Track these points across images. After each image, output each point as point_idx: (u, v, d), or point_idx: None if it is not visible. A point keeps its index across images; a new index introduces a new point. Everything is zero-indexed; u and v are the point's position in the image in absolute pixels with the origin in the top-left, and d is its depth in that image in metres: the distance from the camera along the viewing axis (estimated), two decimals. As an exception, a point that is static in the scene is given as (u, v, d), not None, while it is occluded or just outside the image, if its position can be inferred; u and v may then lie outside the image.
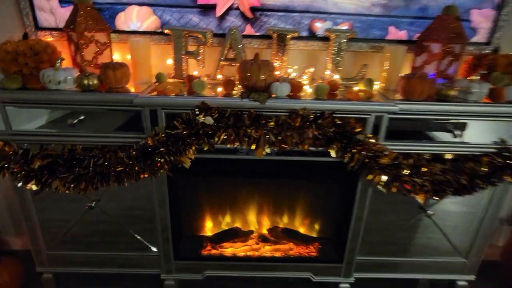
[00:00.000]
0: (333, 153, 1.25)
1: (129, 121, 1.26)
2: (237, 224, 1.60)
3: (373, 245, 1.51)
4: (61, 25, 1.38)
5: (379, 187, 1.28)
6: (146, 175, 1.25)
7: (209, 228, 1.61)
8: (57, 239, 1.48)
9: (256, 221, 1.60)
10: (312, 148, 1.25)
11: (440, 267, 1.58)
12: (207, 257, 1.53)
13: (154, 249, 1.50)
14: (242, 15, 1.38)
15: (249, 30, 1.40)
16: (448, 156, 1.32)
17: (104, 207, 1.42)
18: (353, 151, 1.22)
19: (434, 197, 1.29)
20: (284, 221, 1.61)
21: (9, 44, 1.22)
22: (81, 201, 1.39)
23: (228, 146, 1.22)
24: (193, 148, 1.22)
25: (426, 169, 1.26)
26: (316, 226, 1.61)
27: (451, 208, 1.45)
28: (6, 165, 1.27)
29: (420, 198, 1.29)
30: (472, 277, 1.60)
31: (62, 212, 1.43)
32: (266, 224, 1.61)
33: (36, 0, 1.35)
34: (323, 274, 1.55)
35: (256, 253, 1.54)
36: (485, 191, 1.39)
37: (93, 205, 1.39)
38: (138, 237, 1.48)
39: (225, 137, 1.20)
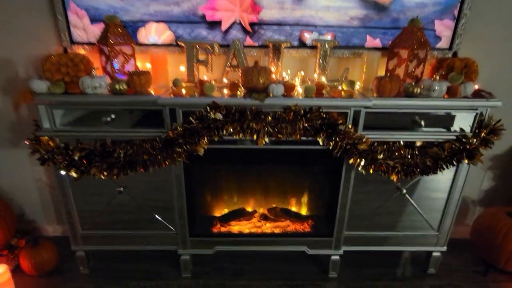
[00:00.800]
0: (320, 141, 1.51)
1: (149, 119, 1.53)
2: (242, 205, 1.86)
3: (359, 221, 1.77)
4: (92, 39, 1.65)
5: (360, 169, 1.55)
6: (167, 163, 1.52)
7: (218, 208, 1.88)
8: (90, 221, 1.74)
9: (258, 202, 1.87)
10: (303, 138, 1.51)
11: (417, 241, 1.85)
12: (217, 234, 1.80)
13: (172, 228, 1.76)
14: (243, 29, 1.65)
15: (249, 41, 1.67)
16: (418, 143, 1.59)
17: (130, 192, 1.68)
18: (336, 139, 1.49)
19: (405, 177, 1.56)
20: (282, 202, 1.88)
21: (54, 57, 1.49)
22: (110, 188, 1.66)
23: (234, 137, 1.49)
24: (206, 139, 1.48)
25: (397, 153, 1.53)
26: (310, 205, 1.88)
27: (426, 193, 1.71)
28: (50, 157, 1.54)
29: (393, 178, 1.56)
30: (443, 248, 1.86)
31: (94, 198, 1.69)
32: (266, 204, 1.87)
33: (71, 19, 1.62)
34: (316, 247, 1.82)
35: (259, 230, 1.81)
36: (450, 176, 1.66)
37: (121, 190, 1.66)
38: (159, 218, 1.74)
39: (232, 129, 1.47)
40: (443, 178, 1.68)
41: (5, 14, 1.62)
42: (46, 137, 1.54)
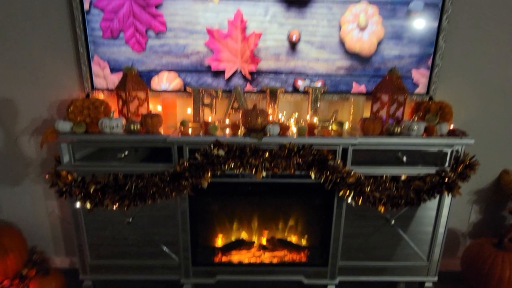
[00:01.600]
0: (312, 175, 1.68)
1: (158, 155, 1.71)
2: (242, 236, 1.98)
3: (353, 252, 1.88)
4: (110, 86, 1.88)
5: (349, 200, 1.70)
6: (173, 194, 1.67)
7: (219, 239, 1.99)
8: (99, 251, 1.86)
9: (257, 232, 1.99)
10: (297, 172, 1.68)
11: (410, 271, 1.94)
12: (218, 264, 1.90)
13: (176, 258, 1.87)
14: (244, 77, 1.88)
15: (249, 87, 1.90)
16: (403, 177, 1.75)
17: (137, 223, 1.82)
18: (327, 173, 1.65)
19: (391, 208, 1.70)
20: (279, 232, 1.99)
21: (78, 101, 1.70)
22: (119, 220, 1.80)
23: (235, 171, 1.65)
24: (209, 173, 1.65)
25: (382, 186, 1.68)
26: (306, 236, 1.99)
27: (414, 225, 1.84)
28: (68, 189, 1.70)
29: (381, 209, 1.70)
30: (435, 279, 1.94)
31: (103, 229, 1.83)
32: (265, 235, 1.99)
33: (94, 69, 1.86)
34: (312, 277, 1.91)
35: (258, 260, 1.91)
36: (433, 208, 1.80)
37: (130, 220, 1.79)
38: (165, 250, 1.85)
39: (233, 165, 1.64)
40: (429, 211, 1.82)
41: (35, 64, 1.86)
42: (65, 171, 1.71)
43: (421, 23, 1.80)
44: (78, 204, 1.72)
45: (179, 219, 1.79)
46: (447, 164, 1.73)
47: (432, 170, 1.73)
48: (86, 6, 1.74)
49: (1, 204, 2.12)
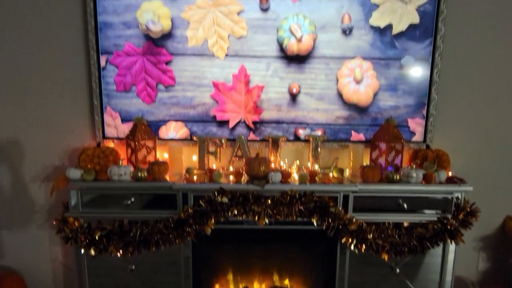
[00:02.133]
0: (314, 222, 1.70)
1: (163, 201, 1.75)
2: (245, 283, 1.94)
3: (357, 303, 1.83)
4: (121, 135, 1.98)
5: (352, 248, 1.69)
6: (177, 241, 1.69)
7: (222, 285, 1.96)
8: (100, 299, 1.84)
9: (260, 279, 1.95)
10: (299, 219, 1.70)
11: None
12: (220, 314, 1.85)
13: (177, 308, 1.83)
14: (247, 126, 1.98)
15: (252, 136, 1.99)
16: (405, 224, 1.76)
17: (140, 269, 1.81)
18: (328, 220, 1.67)
19: (395, 256, 1.69)
20: (283, 279, 1.96)
21: (89, 150, 1.79)
22: (122, 266, 1.80)
23: (238, 218, 1.68)
24: (213, 219, 1.68)
25: (385, 233, 1.69)
26: (309, 283, 1.95)
27: (421, 274, 1.82)
28: (74, 235, 1.73)
29: (384, 257, 1.69)
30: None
31: (106, 276, 1.82)
32: (268, 282, 1.95)
33: (106, 119, 1.97)
34: (317, 330, 1.84)
35: (261, 310, 1.86)
36: (439, 255, 1.79)
37: (133, 267, 1.79)
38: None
39: (236, 211, 1.68)
40: (435, 258, 1.80)
41: (50, 113, 1.98)
42: (72, 217, 1.75)
43: (413, 77, 1.92)
44: (83, 251, 1.73)
45: (182, 265, 1.79)
46: (448, 211, 1.74)
47: (433, 217, 1.74)
48: (103, 63, 1.90)
49: (5, 249, 2.13)
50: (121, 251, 1.69)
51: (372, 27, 1.87)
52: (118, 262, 1.78)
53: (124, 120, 1.97)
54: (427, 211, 1.75)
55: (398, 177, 1.73)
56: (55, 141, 2.02)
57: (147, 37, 1.87)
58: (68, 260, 2.14)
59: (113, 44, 1.88)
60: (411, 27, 1.87)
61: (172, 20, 1.85)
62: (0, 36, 1.91)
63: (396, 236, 1.70)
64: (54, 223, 1.77)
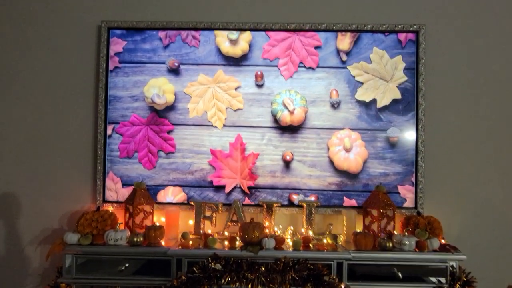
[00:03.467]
0: (308, 292, 1.67)
1: (158, 267, 1.75)
2: None
3: None
4: (120, 199, 2.05)
5: (347, 320, 1.64)
6: (168, 311, 1.65)
7: None
8: None
9: None
10: (293, 288, 1.68)
11: None
12: None
13: None
14: (243, 191, 2.05)
15: (247, 201, 2.05)
16: (402, 295, 1.73)
17: None
18: (323, 289, 1.65)
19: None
20: None
21: (88, 214, 1.85)
22: (112, 338, 1.73)
23: (231, 286, 1.66)
24: (206, 287, 1.66)
25: (381, 304, 1.65)
26: None
27: None
28: (64, 304, 1.70)
29: (382, 331, 1.63)
30: None
31: None
32: None
33: (107, 184, 2.05)
34: None
35: None
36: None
37: None
38: None
39: (229, 279, 1.67)
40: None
41: (53, 177, 2.08)
42: (64, 284, 1.73)
43: (399, 146, 2.04)
44: (70, 321, 1.69)
45: None
46: (444, 280, 1.72)
47: (430, 286, 1.72)
48: (109, 131, 2.04)
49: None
50: (110, 321, 1.64)
51: (358, 101, 2.05)
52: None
53: (124, 184, 2.05)
54: (424, 281, 1.73)
55: (391, 244, 1.75)
56: (56, 205, 2.08)
57: (152, 108, 2.05)
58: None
59: (120, 115, 2.05)
60: (394, 101, 2.04)
61: (175, 95, 2.04)
62: (18, 105, 2.09)
63: (393, 307, 1.66)
64: (46, 289, 1.75)
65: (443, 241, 1.86)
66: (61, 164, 2.09)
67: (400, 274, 1.72)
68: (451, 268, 1.73)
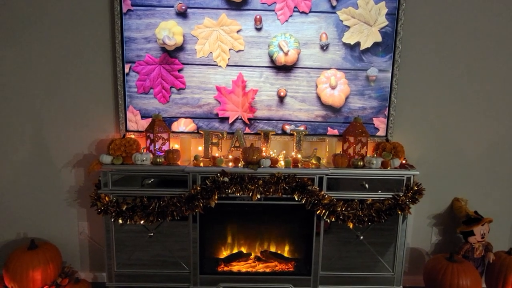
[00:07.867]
0: (296, 198, 2.16)
1: (176, 182, 2.20)
2: (241, 248, 2.41)
3: (331, 263, 2.30)
4: (140, 128, 2.42)
5: (324, 218, 2.17)
6: (188, 213, 2.14)
7: (222, 251, 2.42)
8: (123, 262, 2.28)
9: (253, 245, 2.42)
10: (284, 196, 2.16)
11: (379, 280, 2.35)
12: (221, 273, 2.31)
13: (187, 268, 2.28)
14: (244, 122, 2.44)
15: (247, 130, 2.44)
16: (368, 201, 2.23)
17: (157, 237, 2.26)
18: (307, 196, 2.14)
19: (358, 225, 2.17)
20: (272, 245, 2.43)
21: (117, 140, 2.23)
22: (142, 236, 2.24)
23: (236, 194, 2.14)
24: (216, 195, 2.13)
25: (350, 207, 2.16)
26: (293, 249, 2.42)
27: (381, 240, 2.29)
28: (104, 208, 2.17)
29: (350, 225, 2.17)
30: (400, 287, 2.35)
31: (128, 244, 2.26)
32: (260, 247, 2.42)
33: (128, 116, 2.41)
34: (299, 286, 2.31)
35: (253, 269, 2.33)
36: (394, 226, 2.27)
37: (152, 234, 2.24)
38: (179, 261, 2.28)
39: (234, 189, 2.13)
40: (392, 229, 2.27)
41: (80, 111, 2.42)
42: (103, 194, 2.19)
43: (377, 84, 2.39)
44: (113, 220, 2.18)
45: (191, 232, 2.24)
46: (401, 190, 2.22)
47: (389, 195, 2.22)
48: (127, 70, 2.34)
49: (40, 224, 2.56)
50: (143, 220, 2.13)
51: (344, 44, 2.34)
52: (139, 231, 2.22)
53: (143, 116, 2.41)
54: (385, 191, 2.23)
55: (362, 163, 2.21)
56: (85, 134, 2.45)
57: (163, 49, 2.32)
58: (93, 233, 2.57)
59: (136, 55, 2.32)
60: (375, 44, 2.34)
61: (184, 36, 2.30)
62: (41, 46, 2.34)
63: (359, 209, 2.18)
64: (90, 197, 2.20)
65: (404, 161, 2.32)
66: (86, 99, 2.41)
67: (366, 185, 2.21)
68: (406, 181, 2.22)
